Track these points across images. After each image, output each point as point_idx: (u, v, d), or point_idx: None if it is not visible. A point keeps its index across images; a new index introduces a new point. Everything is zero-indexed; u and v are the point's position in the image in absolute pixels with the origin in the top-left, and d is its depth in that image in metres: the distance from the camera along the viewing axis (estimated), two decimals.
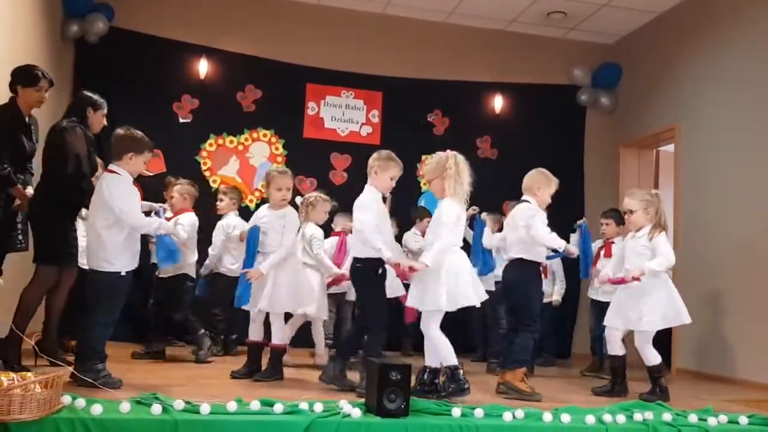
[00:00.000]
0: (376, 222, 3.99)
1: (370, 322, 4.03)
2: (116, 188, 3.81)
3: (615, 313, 4.60)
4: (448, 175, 4.00)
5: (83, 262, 4.26)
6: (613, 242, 5.71)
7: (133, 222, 3.85)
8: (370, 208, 4.04)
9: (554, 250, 4.48)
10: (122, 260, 3.84)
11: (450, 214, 3.95)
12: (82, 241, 4.44)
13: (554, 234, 4.36)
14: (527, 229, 4.30)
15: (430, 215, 6.57)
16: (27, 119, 4.27)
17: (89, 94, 4.51)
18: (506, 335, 4.76)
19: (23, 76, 4.19)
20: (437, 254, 3.89)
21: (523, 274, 4.37)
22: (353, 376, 4.07)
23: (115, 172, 3.88)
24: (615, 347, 4.62)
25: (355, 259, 4.09)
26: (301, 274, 4.65)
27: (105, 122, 4.53)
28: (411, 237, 6.20)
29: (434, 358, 3.97)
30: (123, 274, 3.84)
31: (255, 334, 4.55)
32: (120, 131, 4.01)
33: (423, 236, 6.30)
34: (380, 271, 4.02)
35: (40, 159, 4.47)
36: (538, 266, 4.46)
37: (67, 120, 4.24)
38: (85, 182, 4.15)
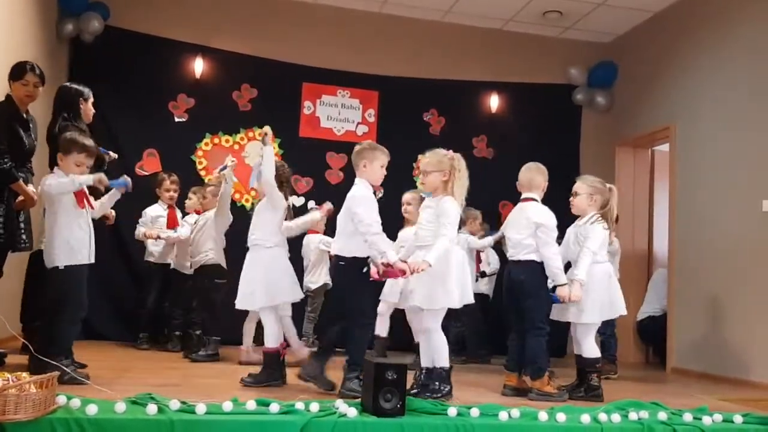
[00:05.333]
0: (377, 220, 3.89)
1: (358, 321, 3.96)
2: (43, 180, 3.93)
3: (559, 308, 4.53)
4: (455, 177, 3.97)
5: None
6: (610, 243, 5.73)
7: (47, 188, 3.84)
8: (370, 204, 3.91)
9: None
10: (59, 254, 3.86)
11: (453, 212, 3.93)
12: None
13: (561, 264, 4.33)
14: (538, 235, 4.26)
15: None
16: (25, 115, 4.27)
17: (73, 85, 4.51)
18: (512, 339, 4.53)
19: (12, 71, 4.24)
20: (442, 253, 3.84)
21: (535, 275, 4.28)
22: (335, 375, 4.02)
23: (53, 173, 3.97)
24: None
25: (339, 257, 3.96)
26: (274, 265, 4.36)
27: (93, 110, 4.55)
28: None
29: (430, 358, 3.99)
30: (61, 267, 3.86)
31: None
32: (64, 134, 4.05)
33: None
34: (365, 269, 3.94)
35: (38, 159, 4.47)
36: (543, 266, 4.38)
37: (61, 121, 4.25)
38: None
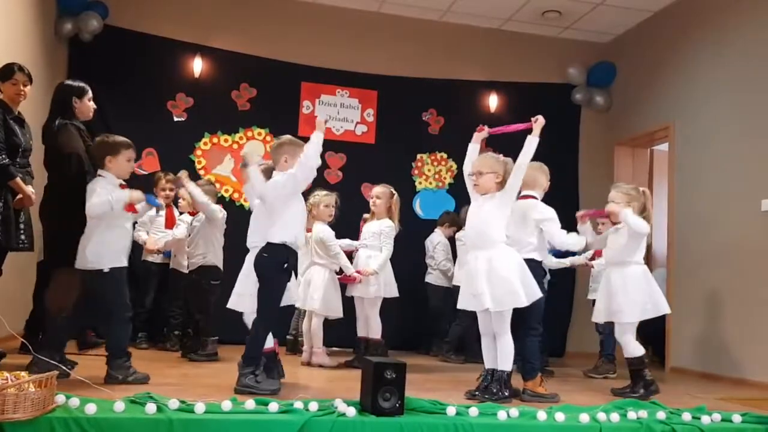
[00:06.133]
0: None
1: (264, 316, 3.95)
2: (90, 186, 3.98)
3: (600, 306, 4.68)
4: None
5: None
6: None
7: (89, 210, 3.89)
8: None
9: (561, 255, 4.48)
10: (106, 257, 3.91)
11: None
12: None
13: (572, 234, 4.42)
14: (540, 228, 4.32)
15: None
16: (17, 114, 4.28)
17: (69, 82, 4.53)
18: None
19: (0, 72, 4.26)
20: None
21: (533, 274, 4.25)
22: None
23: (100, 176, 4.03)
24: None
25: (262, 249, 3.97)
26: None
27: (94, 105, 4.57)
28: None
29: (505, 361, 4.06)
30: (106, 270, 3.90)
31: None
32: (97, 139, 4.13)
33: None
34: (285, 265, 3.96)
35: (34, 161, 4.48)
36: (541, 265, 4.45)
37: (59, 120, 4.26)
38: (90, 178, 4.17)
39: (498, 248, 4.05)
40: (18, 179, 4.13)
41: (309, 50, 7.15)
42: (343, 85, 7.30)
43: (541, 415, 3.36)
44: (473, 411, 3.32)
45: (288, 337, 6.05)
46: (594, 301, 5.77)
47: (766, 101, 5.66)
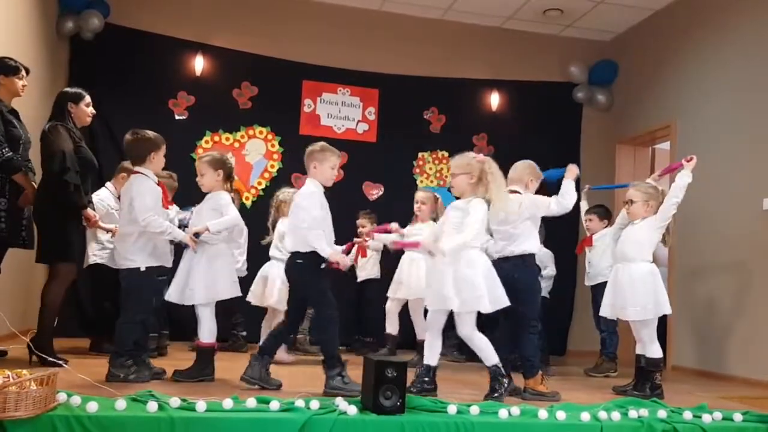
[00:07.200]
0: (318, 217, 3.95)
1: (329, 316, 3.95)
2: (137, 186, 4.02)
3: (607, 302, 4.67)
4: (488, 180, 3.98)
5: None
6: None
7: (141, 218, 3.94)
8: (312, 202, 3.97)
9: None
10: (142, 256, 3.98)
11: (480, 214, 3.94)
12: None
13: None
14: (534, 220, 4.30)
15: None
16: (12, 108, 4.32)
17: (66, 89, 4.60)
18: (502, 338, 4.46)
19: (3, 67, 4.29)
20: (455, 247, 3.85)
21: (528, 271, 4.24)
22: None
23: (140, 173, 4.09)
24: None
25: (296, 254, 3.98)
26: (217, 262, 4.27)
27: (93, 110, 4.62)
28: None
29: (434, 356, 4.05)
30: (143, 269, 3.97)
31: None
32: (129, 137, 4.19)
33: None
34: (322, 265, 3.96)
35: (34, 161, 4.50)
36: (535, 259, 4.40)
37: (50, 123, 4.32)
38: (68, 175, 4.22)
39: (468, 253, 3.93)
40: (21, 173, 4.16)
41: (310, 48, 7.15)
42: (345, 84, 7.30)
43: (542, 414, 3.36)
44: (474, 410, 3.32)
45: None
46: (591, 287, 5.83)
47: (767, 100, 5.65)
